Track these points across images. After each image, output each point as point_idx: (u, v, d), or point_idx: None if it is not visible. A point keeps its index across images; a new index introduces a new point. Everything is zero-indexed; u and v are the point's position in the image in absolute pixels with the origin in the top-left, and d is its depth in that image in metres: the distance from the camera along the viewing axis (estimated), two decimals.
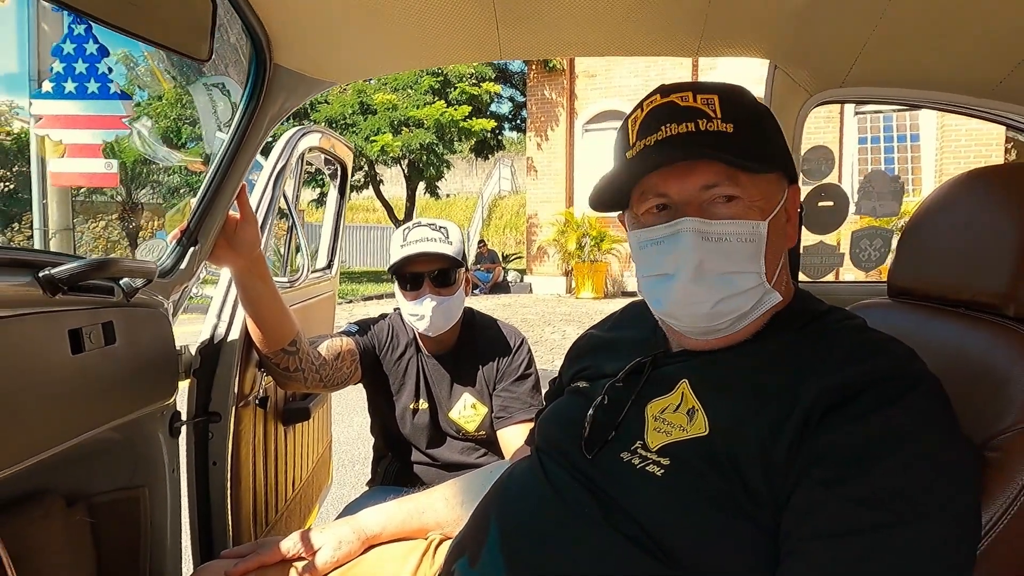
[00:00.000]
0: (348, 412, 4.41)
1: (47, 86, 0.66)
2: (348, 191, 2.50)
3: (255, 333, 1.43)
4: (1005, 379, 0.74)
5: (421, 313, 1.58)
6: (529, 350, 1.73)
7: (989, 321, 0.83)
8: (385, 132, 13.53)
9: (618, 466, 0.81)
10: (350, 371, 1.63)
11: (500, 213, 22.01)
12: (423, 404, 1.69)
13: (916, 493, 0.64)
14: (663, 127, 0.79)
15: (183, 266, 1.20)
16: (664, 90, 0.83)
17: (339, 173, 2.35)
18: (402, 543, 1.14)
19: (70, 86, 0.65)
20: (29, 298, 0.82)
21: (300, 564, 1.08)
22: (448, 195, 17.55)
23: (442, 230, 1.63)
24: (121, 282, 1.02)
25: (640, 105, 0.85)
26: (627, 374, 0.89)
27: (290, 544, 1.08)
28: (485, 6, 1.10)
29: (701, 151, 0.77)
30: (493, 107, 16.79)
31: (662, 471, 0.77)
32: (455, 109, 13.86)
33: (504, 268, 14.44)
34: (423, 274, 1.59)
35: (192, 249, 1.22)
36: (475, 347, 1.70)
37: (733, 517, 0.71)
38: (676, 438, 0.79)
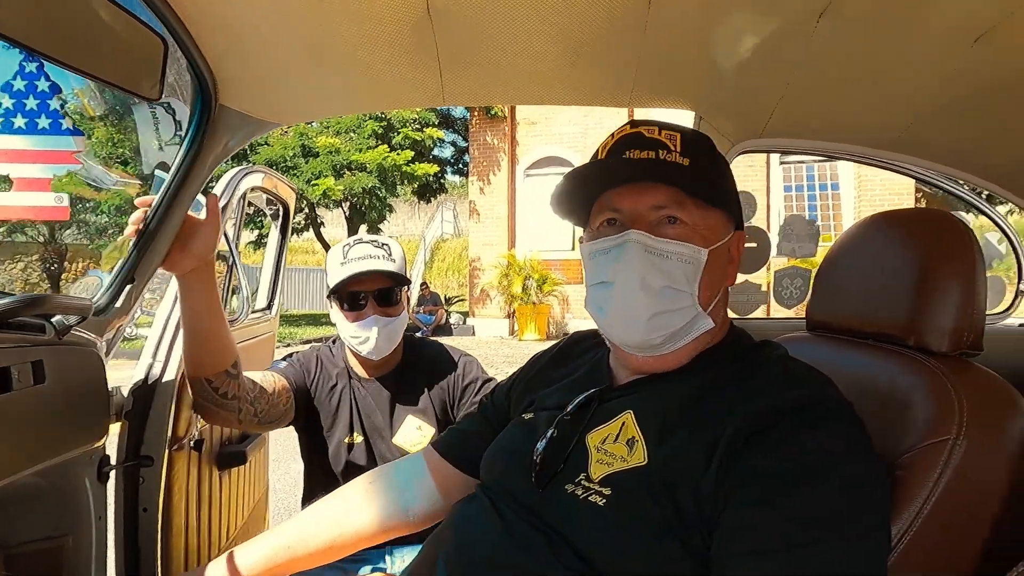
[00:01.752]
0: (284, 459, 4.26)
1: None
2: (290, 231, 2.49)
3: (195, 354, 1.31)
4: (908, 403, 0.81)
5: (365, 336, 1.53)
6: (476, 362, 1.70)
7: (894, 351, 0.91)
8: (327, 175, 13.46)
9: (563, 498, 0.83)
10: (285, 407, 1.54)
11: (443, 256, 22.05)
12: (357, 438, 1.61)
13: (834, 512, 0.69)
14: (628, 151, 0.85)
15: (119, 303, 1.18)
16: (634, 123, 0.89)
17: (281, 213, 2.34)
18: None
19: (19, 122, 0.64)
20: None
21: None
22: (390, 237, 17.56)
23: (384, 247, 1.59)
24: (53, 319, 1.00)
25: (612, 133, 0.91)
26: (579, 408, 0.92)
27: None
28: (429, 53, 1.15)
29: (656, 175, 0.84)
30: (436, 151, 16.97)
31: (604, 500, 0.79)
32: (398, 154, 13.95)
33: (447, 310, 14.39)
34: (367, 293, 1.54)
35: (128, 286, 1.19)
36: (418, 367, 1.65)
37: (671, 543, 0.74)
38: (617, 468, 0.82)
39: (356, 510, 1.07)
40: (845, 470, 0.71)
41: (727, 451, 0.74)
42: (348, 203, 14.36)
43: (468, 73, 1.22)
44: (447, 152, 20.60)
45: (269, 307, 2.34)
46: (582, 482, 0.83)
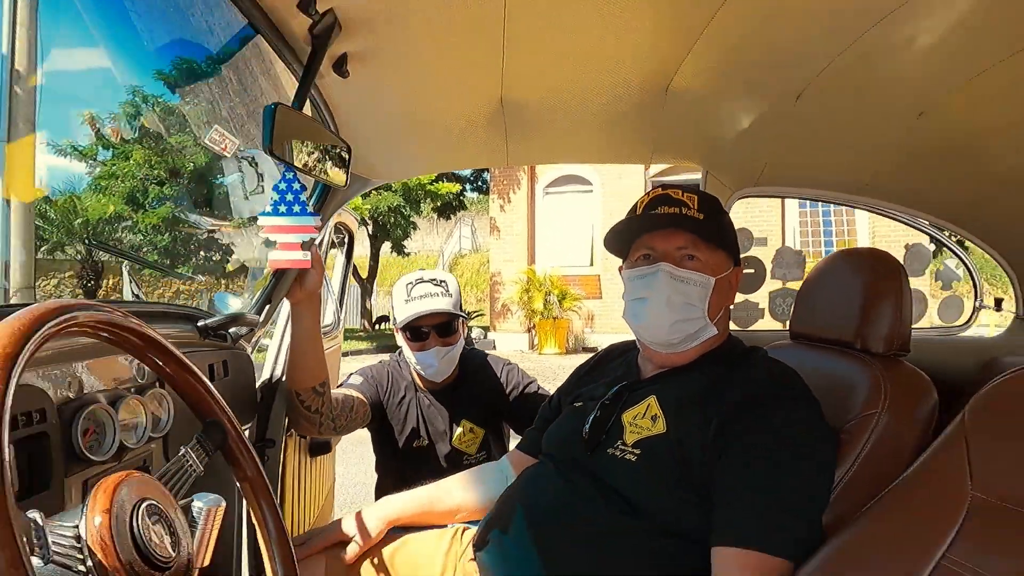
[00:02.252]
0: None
1: (269, 209, 0.92)
2: (353, 256, 2.87)
3: (292, 369, 1.56)
4: (852, 388, 1.16)
5: (429, 363, 1.83)
6: (516, 368, 2.03)
7: (847, 352, 1.25)
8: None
9: (606, 458, 1.18)
10: (362, 419, 1.85)
11: (461, 271, 22.44)
12: (424, 441, 1.95)
13: (794, 460, 1.03)
14: (660, 207, 1.21)
15: (261, 319, 1.55)
16: (664, 186, 1.26)
17: (346, 240, 2.72)
18: (434, 531, 1.46)
19: (283, 208, 0.90)
20: (192, 341, 1.16)
21: (345, 547, 1.38)
22: (409, 253, 17.99)
23: (442, 284, 1.87)
24: (231, 330, 1.36)
25: (648, 192, 1.27)
26: (615, 394, 1.27)
27: (350, 528, 1.39)
28: (499, 129, 1.53)
29: (680, 225, 1.19)
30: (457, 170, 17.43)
31: (635, 458, 1.15)
32: None
33: (468, 326, 14.72)
34: (429, 328, 1.82)
35: (267, 307, 1.56)
36: (469, 379, 1.98)
37: (684, 487, 1.09)
38: (644, 435, 1.17)
39: (470, 490, 1.45)
40: (804, 437, 1.06)
41: (722, 423, 1.09)
42: (373, 221, 14.82)
43: (528, 142, 1.59)
44: (466, 171, 21.08)
45: (337, 324, 2.71)
46: (619, 446, 1.18)
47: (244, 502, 1.50)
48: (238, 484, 0.84)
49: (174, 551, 0.61)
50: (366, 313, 15.76)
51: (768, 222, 12.04)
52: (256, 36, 0.90)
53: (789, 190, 1.75)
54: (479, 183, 20.43)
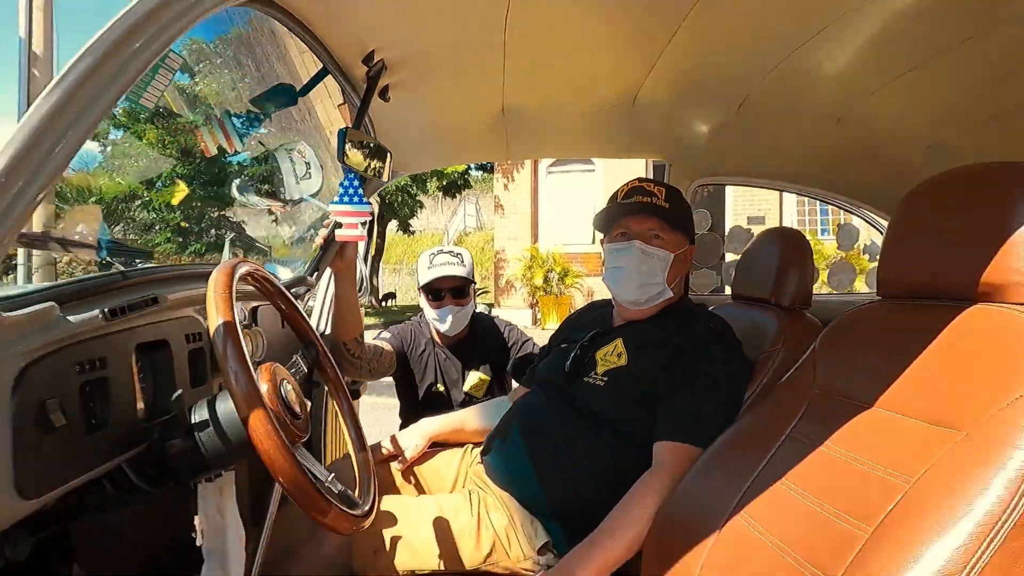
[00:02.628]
0: None
1: (336, 199, 1.24)
2: (374, 233, 3.27)
3: (337, 324, 1.92)
4: (765, 331, 1.55)
5: (444, 319, 2.26)
6: (516, 328, 2.46)
7: (766, 306, 1.64)
8: None
9: (582, 385, 1.58)
10: (389, 365, 2.26)
11: (466, 249, 22.80)
12: (440, 387, 2.38)
13: (717, 381, 1.43)
14: (636, 196, 1.60)
15: (312, 278, 1.94)
16: (640, 179, 1.65)
17: (367, 221, 3.12)
18: (450, 450, 1.87)
19: (347, 198, 1.20)
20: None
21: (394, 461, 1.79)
22: (415, 232, 18.43)
23: (459, 256, 2.31)
24: (292, 290, 1.76)
25: (628, 183, 1.66)
26: (590, 337, 1.67)
27: (389, 445, 1.81)
28: (499, 132, 1.91)
29: (651, 211, 1.58)
30: None
31: (604, 384, 1.54)
32: None
33: (480, 313, 15.11)
34: (445, 290, 2.25)
35: (316, 272, 1.96)
36: (478, 336, 2.40)
37: (638, 405, 1.48)
38: (612, 367, 1.57)
39: (487, 416, 1.85)
40: (726, 367, 1.46)
41: (669, 359, 1.49)
42: (380, 201, 15.18)
43: (524, 141, 1.98)
44: None
45: (362, 290, 3.11)
46: (592, 376, 1.58)
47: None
48: (325, 385, 1.23)
49: (300, 410, 1.01)
50: (373, 290, 16.18)
51: (767, 201, 12.38)
52: (327, 74, 1.29)
53: (737, 179, 2.13)
54: (484, 163, 20.70)
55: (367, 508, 1.01)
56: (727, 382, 1.45)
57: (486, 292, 16.89)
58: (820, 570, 0.90)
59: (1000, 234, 0.89)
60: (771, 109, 1.83)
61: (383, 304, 16.09)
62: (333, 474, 0.96)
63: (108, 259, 1.12)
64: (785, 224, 12.39)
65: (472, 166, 20.43)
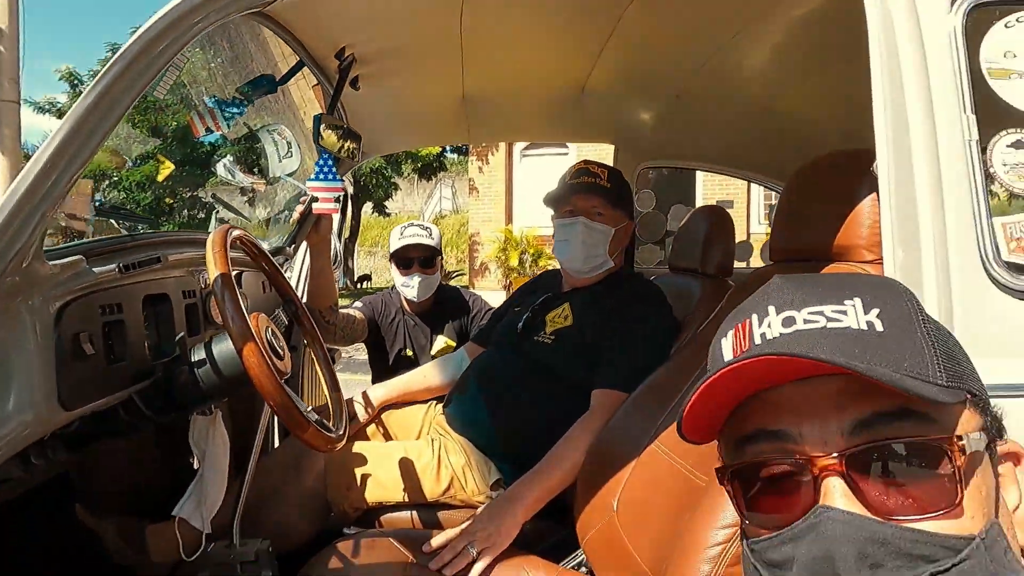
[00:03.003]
0: None
1: (312, 176, 1.39)
2: (347, 212, 3.44)
3: (312, 293, 2.09)
4: (691, 295, 1.77)
5: (412, 285, 2.45)
6: (480, 298, 2.68)
7: (696, 275, 1.86)
8: None
9: (533, 343, 1.79)
10: (361, 333, 2.45)
11: (441, 231, 22.85)
12: (409, 352, 2.59)
13: (649, 334, 1.65)
14: (581, 177, 1.80)
15: (290, 249, 2.13)
16: (585, 162, 1.85)
17: (342, 198, 3.29)
18: (414, 406, 2.07)
19: (322, 176, 1.34)
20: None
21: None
22: (390, 214, 18.50)
23: (427, 229, 2.53)
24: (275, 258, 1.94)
25: (575, 165, 1.86)
26: (541, 302, 1.88)
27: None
28: (461, 117, 2.10)
29: (595, 191, 1.78)
30: None
31: (552, 341, 1.76)
32: None
33: (447, 284, 15.28)
34: (414, 258, 2.45)
35: (293, 245, 2.15)
36: (445, 305, 2.61)
37: (583, 360, 1.70)
38: (559, 327, 1.78)
39: (436, 374, 2.05)
40: (654, 325, 1.68)
41: (606, 317, 1.70)
42: (355, 183, 15.20)
43: (484, 126, 2.18)
44: None
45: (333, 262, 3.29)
46: (542, 335, 1.79)
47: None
48: (304, 339, 1.42)
49: (282, 352, 1.21)
50: (348, 272, 16.23)
51: (735, 186, 12.70)
52: (303, 67, 1.47)
53: (679, 162, 2.36)
54: (459, 145, 20.74)
55: (340, 433, 1.21)
56: (654, 338, 1.67)
57: (462, 274, 17.04)
58: (704, 475, 1.13)
59: (850, 206, 1.11)
60: (705, 99, 2.05)
61: (358, 286, 16.16)
62: (311, 407, 1.16)
63: (117, 223, 1.30)
64: (753, 209, 12.78)
65: (447, 149, 20.50)
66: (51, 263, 0.90)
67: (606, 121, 2.18)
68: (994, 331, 0.85)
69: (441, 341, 2.59)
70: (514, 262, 12.98)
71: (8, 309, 0.85)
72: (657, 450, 1.33)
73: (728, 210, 2.59)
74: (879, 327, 0.45)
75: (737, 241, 1.85)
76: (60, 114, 16.07)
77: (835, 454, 0.43)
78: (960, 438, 0.43)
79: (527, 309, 1.88)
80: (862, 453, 0.43)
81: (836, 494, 0.43)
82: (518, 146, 13.97)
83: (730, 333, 0.52)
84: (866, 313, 0.46)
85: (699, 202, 12.55)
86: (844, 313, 0.46)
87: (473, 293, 2.70)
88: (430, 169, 17.17)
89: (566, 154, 13.76)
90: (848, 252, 1.12)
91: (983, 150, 0.85)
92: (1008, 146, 0.84)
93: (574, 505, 1.44)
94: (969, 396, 0.45)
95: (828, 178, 1.20)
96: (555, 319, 1.82)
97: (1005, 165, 0.83)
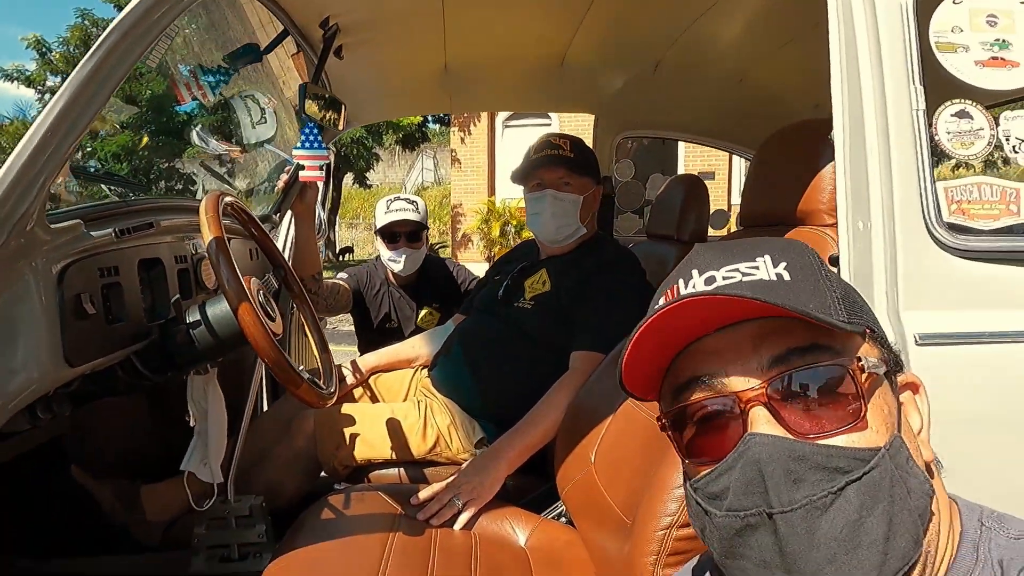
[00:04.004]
0: None
1: (298, 144, 1.41)
2: (330, 185, 3.46)
3: (298, 261, 2.08)
4: (667, 261, 1.85)
5: (398, 259, 2.50)
6: (464, 268, 2.73)
7: (672, 241, 1.93)
8: None
9: (513, 309, 1.86)
10: (345, 303, 2.49)
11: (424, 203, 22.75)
12: (394, 323, 2.65)
13: (623, 297, 1.72)
14: (546, 150, 1.85)
15: (276, 217, 2.16)
16: (548, 135, 1.89)
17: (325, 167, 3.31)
18: (403, 371, 2.14)
19: (308, 144, 1.36)
20: None
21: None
22: (371, 185, 18.35)
23: (413, 203, 2.55)
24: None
25: (540, 138, 1.90)
26: (520, 269, 1.94)
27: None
28: (444, 87, 2.13)
29: (559, 163, 1.83)
30: None
31: (531, 307, 1.83)
32: None
33: (433, 255, 15.27)
34: (400, 233, 2.51)
35: (278, 213, 2.18)
36: (430, 276, 2.66)
37: (559, 322, 1.77)
38: (537, 292, 1.85)
39: (425, 344, 2.11)
40: (628, 288, 1.75)
41: (581, 281, 1.77)
42: (336, 153, 15.04)
43: (465, 95, 2.21)
44: None
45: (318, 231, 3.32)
46: (521, 301, 1.86)
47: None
48: (293, 302, 1.47)
49: (273, 313, 1.26)
50: (330, 244, 16.14)
51: (717, 157, 12.76)
52: (288, 36, 1.50)
53: (658, 133, 2.42)
54: (441, 115, 20.53)
55: (331, 390, 1.27)
56: (628, 299, 1.74)
57: (445, 246, 17.02)
58: None
59: (812, 173, 1.18)
60: (682, 70, 2.10)
61: (340, 259, 16.09)
62: (302, 366, 1.22)
63: (110, 189, 1.33)
64: (735, 180, 12.88)
65: (429, 119, 20.29)
66: (55, 225, 0.95)
67: (586, 91, 2.22)
68: (936, 286, 0.92)
69: (426, 311, 2.65)
70: (496, 233, 12.99)
71: (13, 271, 0.89)
72: (632, 405, 1.41)
73: (709, 181, 2.66)
74: (787, 276, 0.52)
75: (717, 210, 1.93)
76: (29, 82, 15.69)
77: (756, 384, 0.50)
78: (860, 359, 0.50)
79: (507, 277, 1.94)
80: (780, 381, 0.50)
81: (760, 421, 0.49)
82: (500, 117, 13.87)
83: (661, 299, 0.59)
84: (775, 266, 0.52)
85: (681, 172, 12.62)
86: (756, 268, 0.53)
87: (458, 264, 2.76)
88: (412, 140, 17.01)
89: (548, 125, 13.68)
90: (810, 216, 1.19)
91: (929, 120, 0.91)
92: (952, 115, 0.90)
93: (554, 460, 1.52)
94: (869, 331, 0.53)
95: (793, 147, 1.26)
96: (533, 285, 1.88)
97: (949, 133, 0.90)
